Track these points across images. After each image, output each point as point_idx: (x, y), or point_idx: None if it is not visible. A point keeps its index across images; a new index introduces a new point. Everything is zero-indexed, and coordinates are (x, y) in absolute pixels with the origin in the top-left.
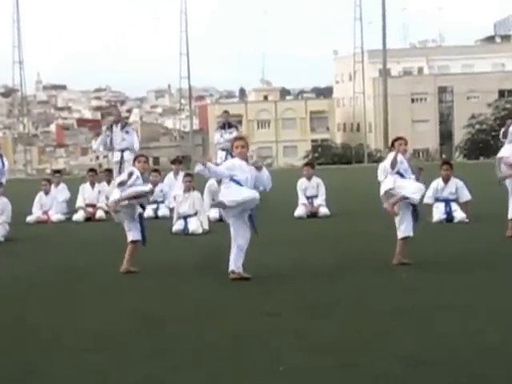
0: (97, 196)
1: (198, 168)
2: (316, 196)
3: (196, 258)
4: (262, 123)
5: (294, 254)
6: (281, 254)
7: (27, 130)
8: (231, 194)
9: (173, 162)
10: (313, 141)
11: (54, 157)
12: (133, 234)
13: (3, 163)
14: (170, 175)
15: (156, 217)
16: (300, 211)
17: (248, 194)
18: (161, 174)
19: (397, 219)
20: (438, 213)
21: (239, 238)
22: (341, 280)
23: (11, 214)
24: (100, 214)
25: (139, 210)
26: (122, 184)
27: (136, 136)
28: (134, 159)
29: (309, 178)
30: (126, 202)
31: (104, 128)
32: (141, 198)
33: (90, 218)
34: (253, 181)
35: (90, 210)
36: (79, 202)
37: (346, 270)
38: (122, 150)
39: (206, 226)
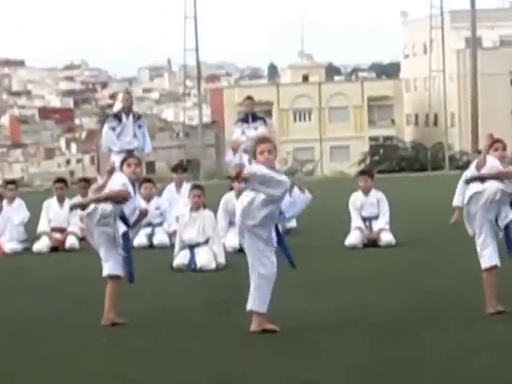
0: (67, 217)
1: (228, 156)
2: (376, 217)
3: (205, 305)
4: (301, 114)
5: (343, 298)
6: (324, 297)
7: None
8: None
9: (174, 168)
10: (372, 139)
11: (7, 161)
12: (110, 266)
13: None
14: (171, 187)
15: (151, 245)
16: (353, 238)
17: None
18: (156, 185)
19: (478, 241)
20: None
21: (259, 265)
22: (409, 338)
23: None
24: (71, 241)
25: (122, 228)
26: (99, 190)
27: (148, 134)
28: (122, 162)
29: (366, 192)
30: (94, 208)
31: (110, 118)
32: (122, 204)
33: (57, 248)
34: (286, 187)
35: (58, 236)
36: (42, 226)
37: (417, 323)
38: (129, 151)
39: (222, 259)
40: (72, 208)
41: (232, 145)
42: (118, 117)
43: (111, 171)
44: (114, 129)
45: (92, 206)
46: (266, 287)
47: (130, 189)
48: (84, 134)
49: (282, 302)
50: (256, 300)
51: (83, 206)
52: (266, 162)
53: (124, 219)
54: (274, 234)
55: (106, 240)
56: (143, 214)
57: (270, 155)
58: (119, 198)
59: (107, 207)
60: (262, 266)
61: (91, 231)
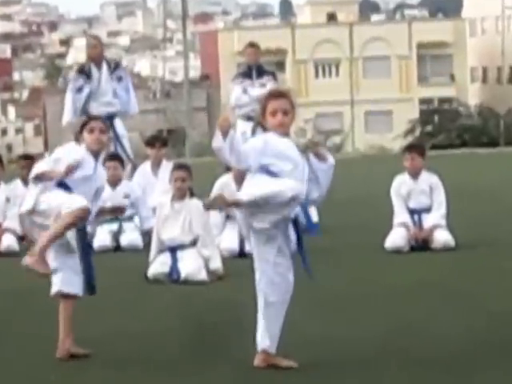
0: (2, 208)
1: (217, 142)
2: (428, 209)
3: (191, 331)
4: (325, 67)
5: (380, 321)
6: (355, 320)
7: None
8: (251, 187)
9: (150, 141)
10: (423, 101)
11: None
12: (62, 280)
13: None
14: (145, 168)
15: (117, 247)
16: (397, 238)
17: (283, 184)
18: (125, 164)
19: None
20: None
21: (268, 285)
22: (472, 379)
23: None
24: (8, 241)
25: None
26: (39, 178)
27: (133, 88)
28: (82, 127)
29: (414, 175)
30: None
31: (73, 73)
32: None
33: None
34: (303, 175)
35: None
36: None
37: (484, 357)
38: (109, 117)
39: (215, 266)
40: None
41: (221, 124)
42: (84, 72)
43: (72, 169)
44: (80, 90)
45: (31, 199)
46: (276, 317)
47: (89, 165)
48: (26, 94)
49: (297, 325)
50: (266, 336)
51: None
52: (280, 128)
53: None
54: (291, 233)
55: (57, 244)
56: (117, 210)
57: (285, 118)
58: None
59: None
60: (271, 287)
61: (31, 230)
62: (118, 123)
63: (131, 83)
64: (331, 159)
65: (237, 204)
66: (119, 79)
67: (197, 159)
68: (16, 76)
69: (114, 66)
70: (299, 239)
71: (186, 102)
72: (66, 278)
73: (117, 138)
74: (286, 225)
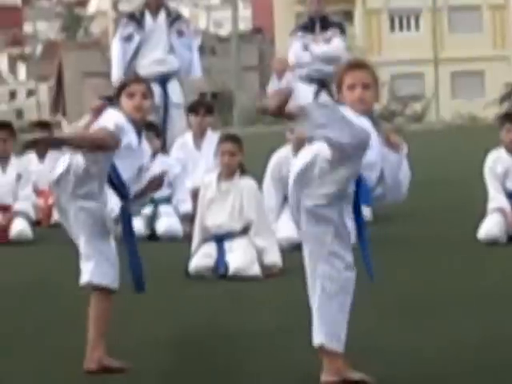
0: (13, 187)
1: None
2: None
3: (243, 340)
4: (402, 18)
5: (472, 330)
6: (440, 329)
7: None
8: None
9: (192, 108)
10: None
11: None
12: (94, 270)
13: None
14: (186, 140)
15: (152, 235)
16: (492, 227)
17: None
18: (160, 136)
19: None
20: None
21: (324, 271)
22: None
23: None
24: (20, 226)
25: (116, 203)
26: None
27: (196, 45)
28: (120, 89)
29: None
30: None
31: (123, 19)
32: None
33: (39, 222)
34: (375, 166)
35: (41, 200)
36: None
37: None
38: (163, 78)
39: (272, 260)
40: (26, 147)
41: (276, 65)
42: (135, 18)
43: (100, 109)
44: (129, 39)
45: (65, 162)
46: (338, 307)
47: (132, 135)
48: (39, 50)
49: (368, 332)
50: (323, 329)
51: (44, 146)
52: (358, 104)
53: (120, 187)
54: (350, 223)
55: (88, 225)
56: (156, 182)
57: (365, 92)
58: (100, 146)
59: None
60: (329, 273)
61: (63, 207)
62: (173, 87)
63: (196, 41)
64: (404, 149)
65: (300, 112)
66: (180, 33)
67: (248, 129)
68: (28, 28)
69: (175, 17)
70: (360, 229)
71: (235, 60)
72: (98, 267)
73: (166, 105)
74: (340, 205)
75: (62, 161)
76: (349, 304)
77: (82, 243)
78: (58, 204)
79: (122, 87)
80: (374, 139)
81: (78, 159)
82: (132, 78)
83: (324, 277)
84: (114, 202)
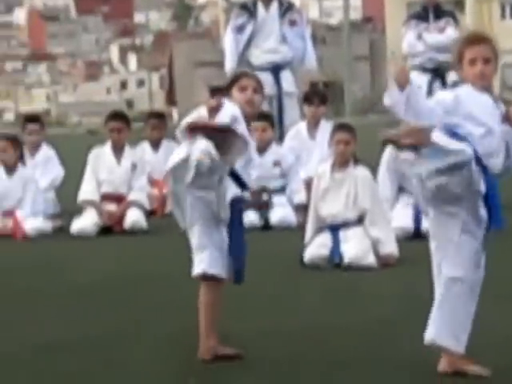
0: (128, 177)
1: (391, 96)
2: None
3: (356, 329)
4: None
5: None
6: None
7: None
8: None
9: (307, 97)
10: None
11: (24, 83)
12: (208, 260)
13: None
14: (300, 129)
15: (265, 225)
16: None
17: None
18: (274, 125)
19: None
20: None
21: (452, 266)
22: None
23: None
24: (134, 216)
25: (233, 191)
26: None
27: (309, 35)
28: (232, 82)
29: None
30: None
31: (235, 10)
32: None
33: (110, 228)
34: (498, 144)
35: (113, 207)
36: (87, 191)
37: None
38: (276, 68)
39: (389, 249)
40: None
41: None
42: (247, 8)
43: (216, 108)
44: (242, 29)
45: (182, 154)
46: (462, 309)
47: (243, 127)
48: (150, 39)
49: (487, 323)
50: (443, 328)
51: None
52: (480, 80)
53: (237, 178)
54: (484, 212)
55: (205, 214)
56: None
57: (486, 67)
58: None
59: (209, 154)
60: (452, 274)
61: (178, 197)
62: (286, 77)
63: (308, 30)
64: None
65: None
66: (292, 23)
67: (360, 118)
68: (138, 18)
69: (287, 7)
70: (491, 218)
71: (346, 49)
72: (212, 257)
73: (279, 95)
74: (471, 202)
75: (179, 150)
76: (474, 305)
77: (197, 233)
78: (173, 193)
79: (234, 80)
80: (495, 120)
81: (199, 149)
82: (244, 72)
83: (448, 276)
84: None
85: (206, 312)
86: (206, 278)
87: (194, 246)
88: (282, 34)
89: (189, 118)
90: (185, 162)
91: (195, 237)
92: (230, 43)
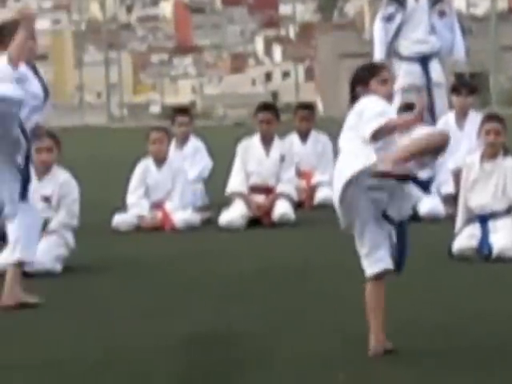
0: (276, 168)
1: None
2: None
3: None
4: None
5: None
6: None
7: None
8: None
9: (456, 88)
10: None
11: (170, 75)
12: (385, 258)
13: (44, 86)
14: (448, 119)
15: (414, 216)
16: None
17: None
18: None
19: None
20: None
21: None
22: None
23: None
24: (283, 208)
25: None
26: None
27: (458, 26)
28: (371, 75)
29: None
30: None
31: (386, 0)
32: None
33: (258, 220)
34: None
35: (261, 199)
36: (236, 183)
37: None
38: (424, 58)
39: None
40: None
41: None
42: None
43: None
44: (391, 18)
45: (366, 161)
46: None
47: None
48: (295, 30)
49: None
50: None
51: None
52: None
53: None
54: None
55: (377, 213)
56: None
57: None
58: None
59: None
60: None
61: (350, 200)
62: (435, 67)
63: (458, 21)
64: None
65: None
66: (441, 14)
67: (505, 109)
68: (283, 9)
69: None
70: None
71: (492, 39)
72: (387, 255)
73: (429, 85)
74: None
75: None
76: None
77: (369, 234)
78: (344, 195)
79: (374, 72)
80: None
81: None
82: (384, 64)
83: None
84: None
85: (376, 309)
86: (377, 277)
87: (365, 245)
88: (430, 25)
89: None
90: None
91: (367, 236)
92: (379, 32)
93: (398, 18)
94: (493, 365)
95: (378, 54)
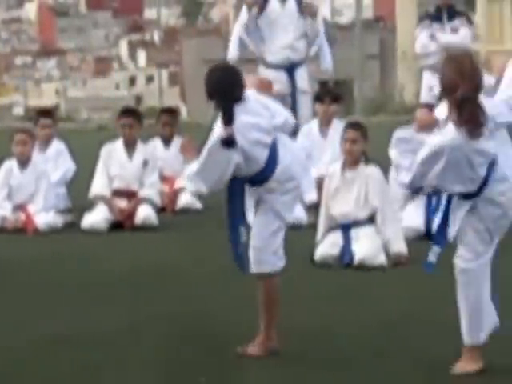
0: (139, 173)
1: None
2: None
3: (367, 330)
4: None
5: None
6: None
7: None
8: None
9: (319, 96)
10: None
11: (33, 78)
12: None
13: None
14: (311, 127)
15: None
16: None
17: None
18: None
19: None
20: None
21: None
22: None
23: None
24: (145, 212)
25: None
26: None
27: (323, 33)
28: None
29: None
30: None
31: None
32: None
33: (121, 224)
34: None
35: (124, 204)
36: (98, 186)
37: None
38: (291, 65)
39: (399, 248)
40: None
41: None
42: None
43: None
44: (250, 26)
45: None
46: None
47: None
48: (159, 35)
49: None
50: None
51: None
52: None
53: None
54: None
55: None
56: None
57: None
58: None
59: None
60: None
61: None
62: (301, 74)
63: (323, 25)
64: None
65: None
66: (307, 19)
67: (371, 118)
68: (148, 14)
69: (300, 2)
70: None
71: (357, 48)
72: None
73: (294, 92)
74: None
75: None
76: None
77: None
78: None
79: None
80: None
81: None
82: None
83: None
84: None
85: (267, 313)
86: (261, 276)
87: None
88: (298, 30)
89: None
90: None
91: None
92: (235, 37)
93: (260, 22)
94: (350, 365)
95: (231, 54)
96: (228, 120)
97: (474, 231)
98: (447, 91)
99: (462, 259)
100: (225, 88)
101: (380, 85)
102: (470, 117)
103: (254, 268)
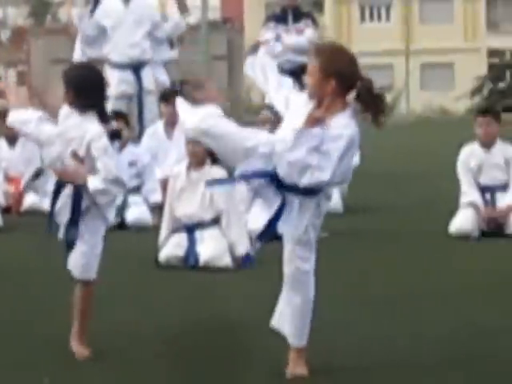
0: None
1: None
2: (503, 186)
3: (212, 332)
4: (373, 9)
5: (444, 325)
6: (412, 322)
7: None
8: None
9: (164, 96)
10: (493, 53)
11: None
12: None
13: None
14: (157, 129)
15: (121, 224)
16: (464, 221)
17: None
18: (130, 124)
19: None
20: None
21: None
22: None
23: None
24: (32, 198)
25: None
26: None
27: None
28: None
29: (487, 145)
30: None
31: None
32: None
33: (9, 208)
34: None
35: (12, 187)
36: None
37: None
38: (137, 65)
39: (244, 250)
40: None
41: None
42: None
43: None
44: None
45: None
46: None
47: None
48: (7, 34)
49: (348, 326)
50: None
51: None
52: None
53: None
54: None
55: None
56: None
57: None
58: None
59: None
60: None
61: None
62: (147, 74)
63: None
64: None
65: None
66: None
67: None
68: None
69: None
70: None
71: (204, 49)
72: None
73: (140, 93)
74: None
75: None
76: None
77: None
78: None
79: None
80: None
81: None
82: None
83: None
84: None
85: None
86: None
87: None
88: (144, 29)
89: None
90: None
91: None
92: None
93: (102, 24)
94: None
95: (77, 54)
96: (106, 118)
97: (314, 229)
98: (345, 80)
99: (302, 260)
100: (99, 86)
101: (229, 84)
102: (379, 103)
103: (78, 274)
